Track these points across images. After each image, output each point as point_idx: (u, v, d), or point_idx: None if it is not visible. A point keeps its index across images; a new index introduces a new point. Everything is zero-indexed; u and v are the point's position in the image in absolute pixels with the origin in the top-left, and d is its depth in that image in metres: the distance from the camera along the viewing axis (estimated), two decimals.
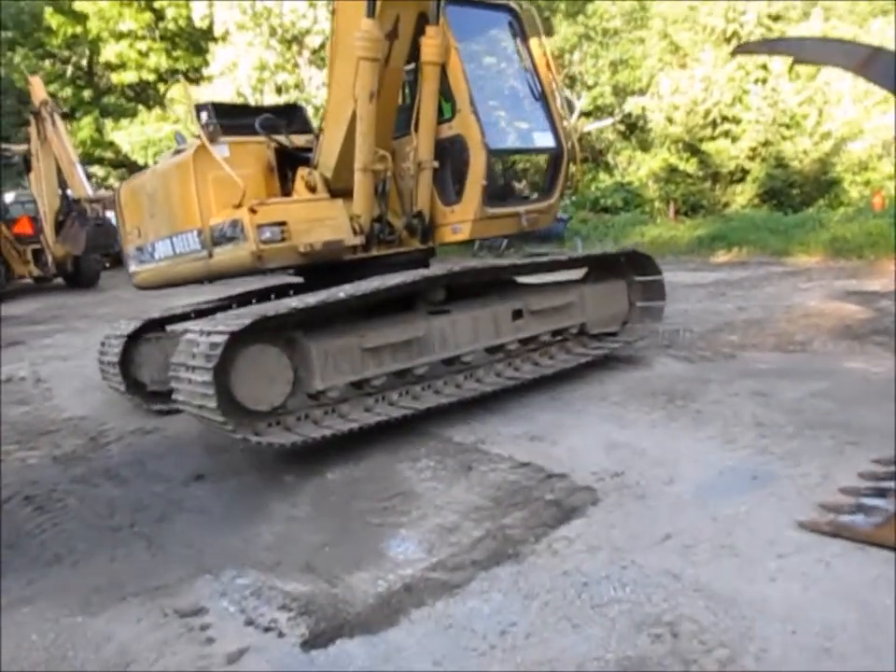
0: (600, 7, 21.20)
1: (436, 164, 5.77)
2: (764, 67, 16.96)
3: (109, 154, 27.28)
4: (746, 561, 3.13)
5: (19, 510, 4.61)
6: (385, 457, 4.77)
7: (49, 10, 26.16)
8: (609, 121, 22.59)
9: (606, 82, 21.59)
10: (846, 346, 6.43)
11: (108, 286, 16.83)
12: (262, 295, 7.09)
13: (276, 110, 7.16)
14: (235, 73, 21.49)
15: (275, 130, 6.22)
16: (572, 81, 22.64)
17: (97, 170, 25.14)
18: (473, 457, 4.61)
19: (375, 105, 5.35)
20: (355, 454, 4.84)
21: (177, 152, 6.17)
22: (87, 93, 28.07)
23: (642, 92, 20.13)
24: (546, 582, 3.10)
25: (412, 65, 5.75)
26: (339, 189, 5.73)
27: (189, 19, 24.38)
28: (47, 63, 28.38)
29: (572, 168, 6.39)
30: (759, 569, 3.06)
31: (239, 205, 5.29)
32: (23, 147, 15.03)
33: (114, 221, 9.04)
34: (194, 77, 26.03)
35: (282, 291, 7.04)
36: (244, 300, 7.03)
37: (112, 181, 28.03)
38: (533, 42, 6.18)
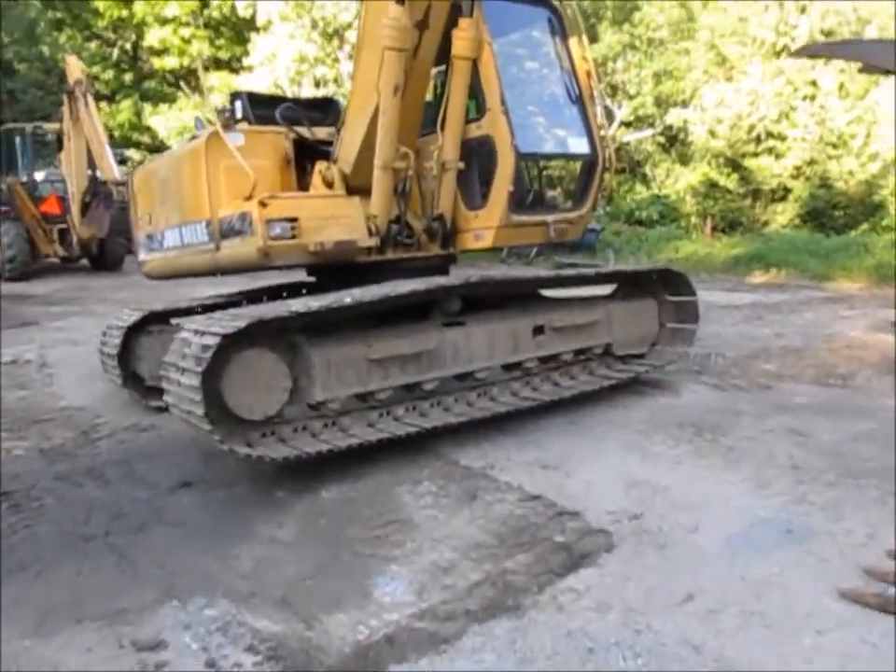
0: (647, 16, 20.69)
1: (461, 165, 5.42)
2: (813, 83, 16.38)
3: (146, 138, 27.29)
4: (778, 634, 2.74)
5: None
6: (386, 477, 4.42)
7: None
8: (649, 132, 22.06)
9: (648, 92, 21.06)
10: (891, 383, 5.96)
11: (132, 270, 16.54)
12: (274, 292, 6.80)
13: (312, 103, 6.87)
14: (274, 64, 21.34)
15: (296, 121, 5.92)
16: (614, 90, 22.15)
17: (133, 153, 25.10)
18: (479, 484, 4.24)
19: (400, 100, 5.01)
20: (353, 470, 4.50)
21: (194, 138, 5.88)
22: (128, 77, 28.12)
23: (685, 104, 19.60)
24: (547, 644, 2.73)
25: (442, 66, 5.42)
26: (357, 187, 5.40)
27: (233, 7, 24.32)
28: (92, 44, 28.47)
29: (607, 178, 6.00)
30: (793, 646, 2.67)
31: (249, 197, 4.98)
32: (57, 125, 14.95)
33: None
34: (235, 67, 26.01)
35: (295, 290, 6.74)
36: (255, 296, 6.73)
37: None
38: (573, 42, 5.80)
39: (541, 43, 5.89)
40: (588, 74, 5.79)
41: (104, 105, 25.44)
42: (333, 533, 3.77)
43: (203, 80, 5.89)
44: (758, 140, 17.00)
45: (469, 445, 4.86)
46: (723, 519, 3.65)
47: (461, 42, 5.18)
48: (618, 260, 14.52)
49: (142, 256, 6.60)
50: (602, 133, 6.05)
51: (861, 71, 3.41)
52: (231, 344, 3.99)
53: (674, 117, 19.58)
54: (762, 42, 17.07)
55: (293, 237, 4.99)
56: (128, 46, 29.61)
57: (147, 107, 26.86)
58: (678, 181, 19.85)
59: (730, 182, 17.47)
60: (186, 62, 26.59)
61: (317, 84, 21.65)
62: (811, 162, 16.35)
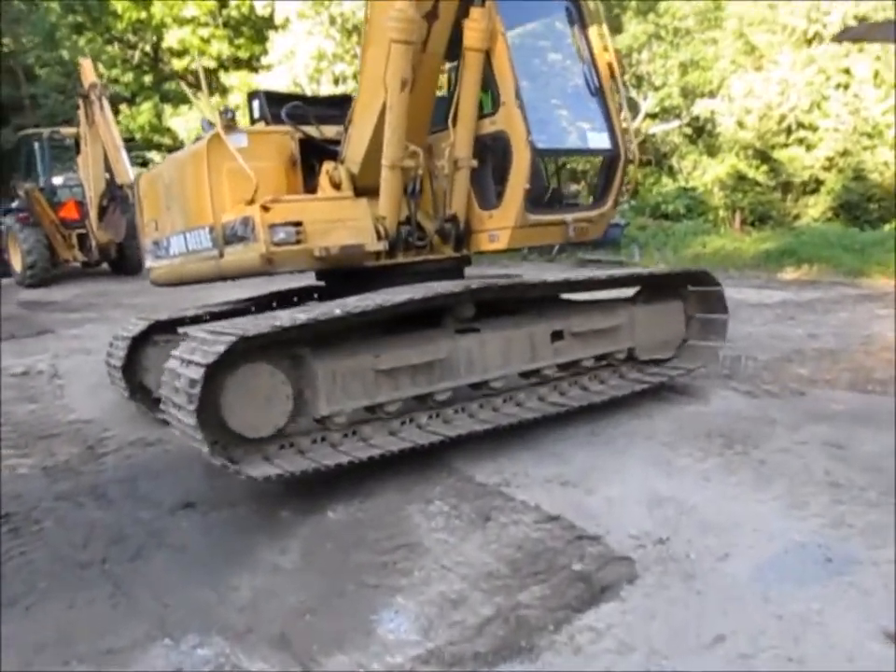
0: (673, 5, 20.22)
1: (474, 163, 5.17)
2: (847, 72, 15.86)
3: (167, 140, 27.30)
4: None
5: None
6: (395, 495, 4.19)
7: None
8: (675, 124, 21.60)
9: (674, 83, 20.60)
10: None
11: None
12: (285, 297, 6.61)
13: (330, 100, 6.65)
14: (293, 62, 21.19)
15: (304, 119, 5.71)
16: (639, 81, 21.72)
17: (154, 155, 25.14)
18: (494, 503, 3.99)
19: (408, 95, 4.77)
20: (364, 487, 4.28)
21: (199, 140, 5.69)
22: (148, 79, 28.16)
23: (712, 95, 19.13)
24: None
25: (454, 63, 5.17)
26: (365, 187, 5.17)
27: (251, 6, 24.22)
28: (110, 47, 28.56)
29: (630, 171, 5.70)
30: None
31: (251, 201, 4.78)
32: (74, 130, 14.90)
33: None
34: (255, 66, 25.91)
35: (307, 294, 6.55)
36: (265, 302, 6.55)
37: None
38: (592, 31, 5.52)
39: (559, 33, 5.62)
40: (609, 66, 5.50)
41: (124, 107, 25.50)
42: (338, 559, 3.54)
43: (203, 79, 5.72)
44: (788, 131, 16.52)
45: (485, 459, 4.62)
46: (755, 544, 3.37)
47: (473, 33, 4.93)
48: (643, 256, 14.15)
49: (149, 263, 6.44)
50: (624, 125, 5.77)
51: None
52: (225, 363, 3.78)
53: (701, 108, 19.13)
54: (792, 30, 16.58)
55: (298, 242, 4.77)
56: (147, 48, 29.65)
57: (168, 109, 26.87)
58: (705, 173, 19.39)
59: (759, 174, 17.00)
60: (205, 62, 26.52)
61: (336, 81, 21.44)
62: (844, 153, 15.84)
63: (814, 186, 16.59)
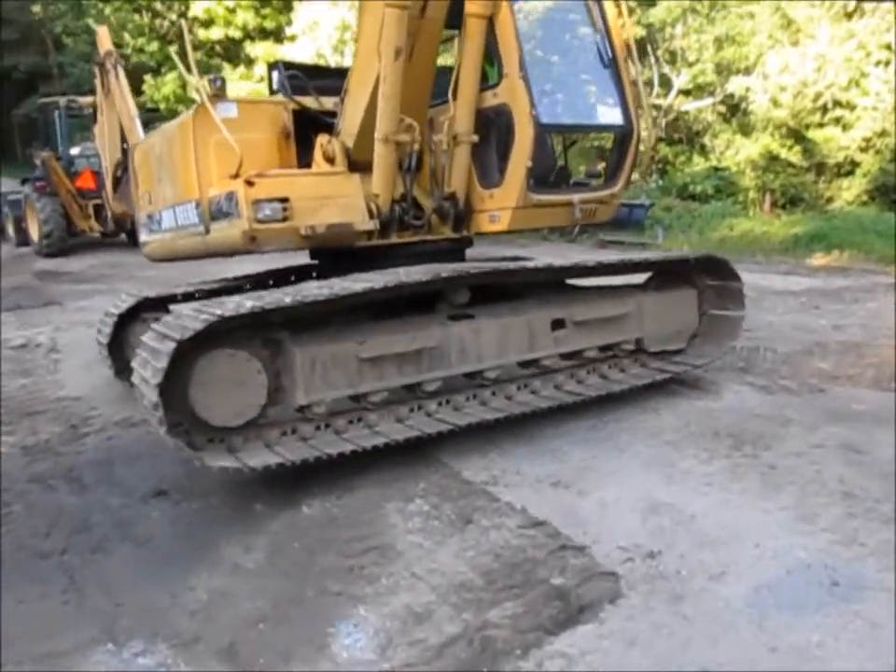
0: None
1: (475, 138, 4.86)
2: (888, 47, 15.11)
3: None
4: None
5: None
6: (376, 491, 3.95)
7: None
8: (709, 101, 20.89)
9: (709, 59, 19.84)
10: None
11: None
12: (283, 275, 6.38)
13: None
14: (317, 32, 20.83)
15: (301, 90, 5.43)
16: (673, 57, 21.02)
17: None
18: (478, 504, 3.74)
19: (403, 65, 4.47)
20: (342, 481, 4.05)
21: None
22: (173, 49, 27.93)
23: (748, 71, 18.41)
24: None
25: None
26: (361, 162, 4.89)
27: None
28: (137, 16, 28.37)
29: (644, 148, 5.35)
30: None
31: (236, 176, 4.52)
32: (91, 98, 14.71)
33: None
34: (281, 37, 25.56)
35: (305, 272, 6.30)
36: (261, 280, 6.33)
37: None
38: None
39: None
40: (625, 42, 5.14)
41: (149, 77, 25.33)
42: (304, 561, 3.32)
43: (188, 39, 5.46)
44: (824, 109, 15.82)
45: (475, 453, 4.36)
46: (755, 562, 3.08)
47: None
48: (667, 238, 13.70)
49: (143, 237, 6.25)
50: (641, 100, 5.42)
51: None
52: (196, 346, 3.56)
53: (736, 85, 18.42)
54: (831, 3, 15.82)
55: (284, 219, 4.51)
56: (174, 17, 29.40)
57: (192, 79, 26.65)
58: (738, 153, 18.72)
59: (792, 155, 16.35)
60: (231, 32, 26.26)
61: None
62: (882, 134, 15.13)
63: (849, 168, 15.92)
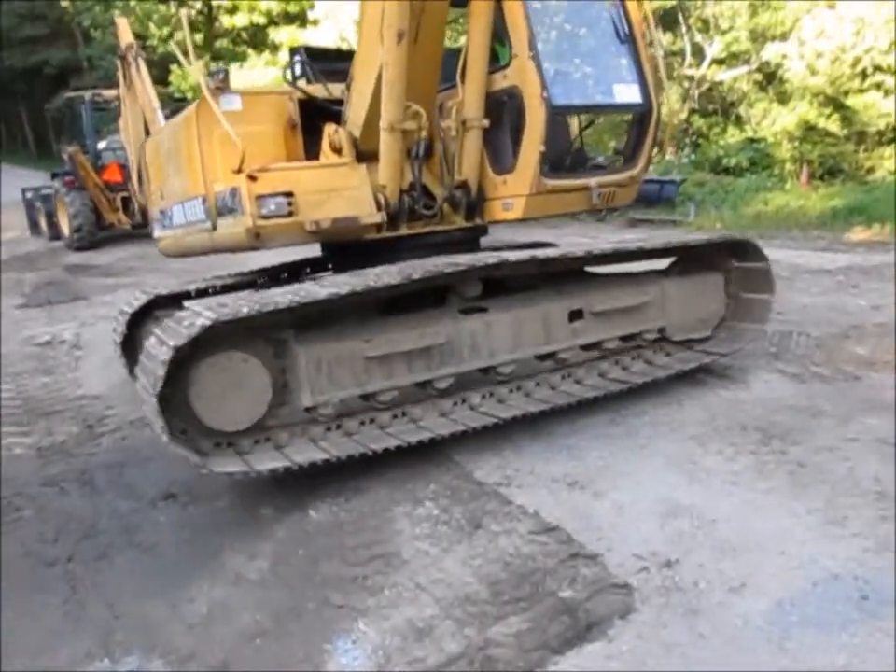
0: None
1: (485, 123, 4.67)
2: None
3: None
4: None
5: None
6: (385, 493, 3.84)
7: None
8: (743, 70, 20.23)
9: (743, 26, 19.18)
10: None
11: None
12: (297, 268, 6.28)
13: None
14: (338, 16, 20.61)
15: (305, 75, 5.29)
16: (705, 25, 20.38)
17: None
18: (489, 507, 3.60)
19: (406, 49, 4.28)
20: (351, 483, 3.95)
21: None
22: (199, 37, 27.96)
23: (784, 38, 17.73)
24: None
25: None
26: (369, 152, 4.72)
27: None
28: (163, 6, 28.40)
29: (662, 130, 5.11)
30: None
31: (239, 170, 4.39)
32: (115, 91, 14.74)
33: None
34: (304, 21, 25.39)
35: (321, 264, 6.19)
36: (275, 273, 6.24)
37: None
38: None
39: None
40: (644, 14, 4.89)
41: (175, 67, 25.36)
42: (307, 570, 3.22)
43: (187, 30, 5.32)
44: (863, 75, 15.16)
45: (489, 451, 4.22)
46: (779, 572, 2.90)
47: None
48: (698, 215, 13.30)
49: (156, 232, 6.17)
50: (661, 76, 5.18)
51: None
52: (195, 350, 3.47)
53: (772, 52, 17.77)
54: None
55: (290, 214, 4.38)
56: (199, 5, 29.40)
57: None
58: (775, 123, 18.09)
59: (830, 123, 15.73)
60: (255, 18, 26.17)
61: None
62: None
63: (891, 136, 15.25)
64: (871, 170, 15.42)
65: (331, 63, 5.45)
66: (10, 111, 45.44)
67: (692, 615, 2.67)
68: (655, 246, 4.83)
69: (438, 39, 4.63)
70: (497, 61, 4.73)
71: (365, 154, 4.76)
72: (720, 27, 19.88)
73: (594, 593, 2.84)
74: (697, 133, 20.43)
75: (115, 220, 15.10)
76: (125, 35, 13.32)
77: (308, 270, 6.23)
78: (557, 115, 4.59)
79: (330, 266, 6.05)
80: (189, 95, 25.82)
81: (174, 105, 13.96)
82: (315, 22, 21.76)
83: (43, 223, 16.74)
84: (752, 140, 18.10)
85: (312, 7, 23.03)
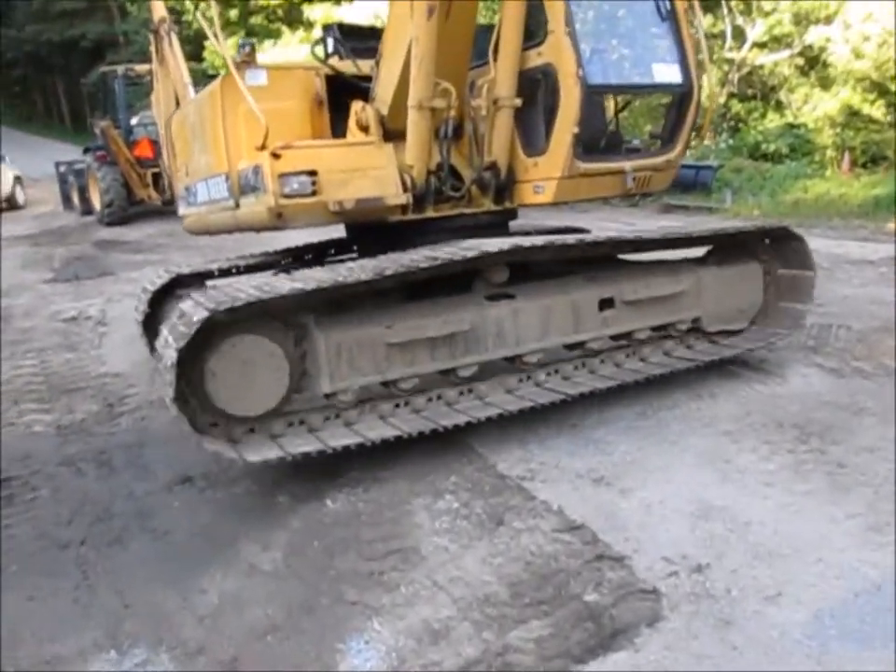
0: None
1: (517, 102, 4.49)
2: None
3: None
4: None
5: None
6: (404, 483, 3.73)
7: None
8: (785, 54, 19.67)
9: (786, 8, 18.64)
10: None
11: None
12: (322, 249, 6.18)
13: None
14: None
15: (337, 53, 5.15)
16: (748, 7, 19.83)
17: None
18: (511, 503, 3.47)
19: (436, 24, 4.11)
20: (370, 472, 3.84)
21: None
22: (233, 13, 27.86)
23: (828, 21, 17.18)
24: None
25: None
26: (396, 131, 4.57)
27: None
28: None
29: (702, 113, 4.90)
30: None
31: (262, 147, 4.27)
32: (147, 67, 14.71)
33: None
34: None
35: (347, 246, 6.07)
36: (300, 254, 6.13)
37: None
38: None
39: None
40: None
41: (209, 43, 25.28)
42: (322, 563, 3.13)
43: (215, 7, 5.18)
44: None
45: (513, 442, 4.09)
46: (817, 580, 2.74)
47: None
48: (735, 202, 12.97)
49: (181, 209, 6.09)
50: (703, 56, 4.95)
51: None
52: (215, 331, 3.37)
53: (815, 36, 17.23)
54: None
55: (313, 193, 4.25)
56: None
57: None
58: (816, 108, 17.58)
59: (875, 109, 15.23)
60: None
61: None
62: None
63: None
64: None
65: (364, 40, 5.31)
66: (47, 85, 45.90)
67: (724, 625, 2.53)
68: (704, 233, 4.63)
69: (470, 14, 4.45)
70: (530, 38, 4.54)
71: (392, 133, 4.61)
72: (762, 9, 19.33)
73: (620, 598, 2.70)
74: (736, 117, 19.96)
75: (145, 196, 15.10)
76: (158, 9, 13.26)
77: (333, 251, 6.12)
78: (593, 95, 4.41)
79: (355, 248, 5.94)
80: (223, 72, 25.83)
81: (207, 81, 13.94)
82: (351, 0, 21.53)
83: (75, 197, 16.82)
84: (792, 126, 17.62)
85: None
